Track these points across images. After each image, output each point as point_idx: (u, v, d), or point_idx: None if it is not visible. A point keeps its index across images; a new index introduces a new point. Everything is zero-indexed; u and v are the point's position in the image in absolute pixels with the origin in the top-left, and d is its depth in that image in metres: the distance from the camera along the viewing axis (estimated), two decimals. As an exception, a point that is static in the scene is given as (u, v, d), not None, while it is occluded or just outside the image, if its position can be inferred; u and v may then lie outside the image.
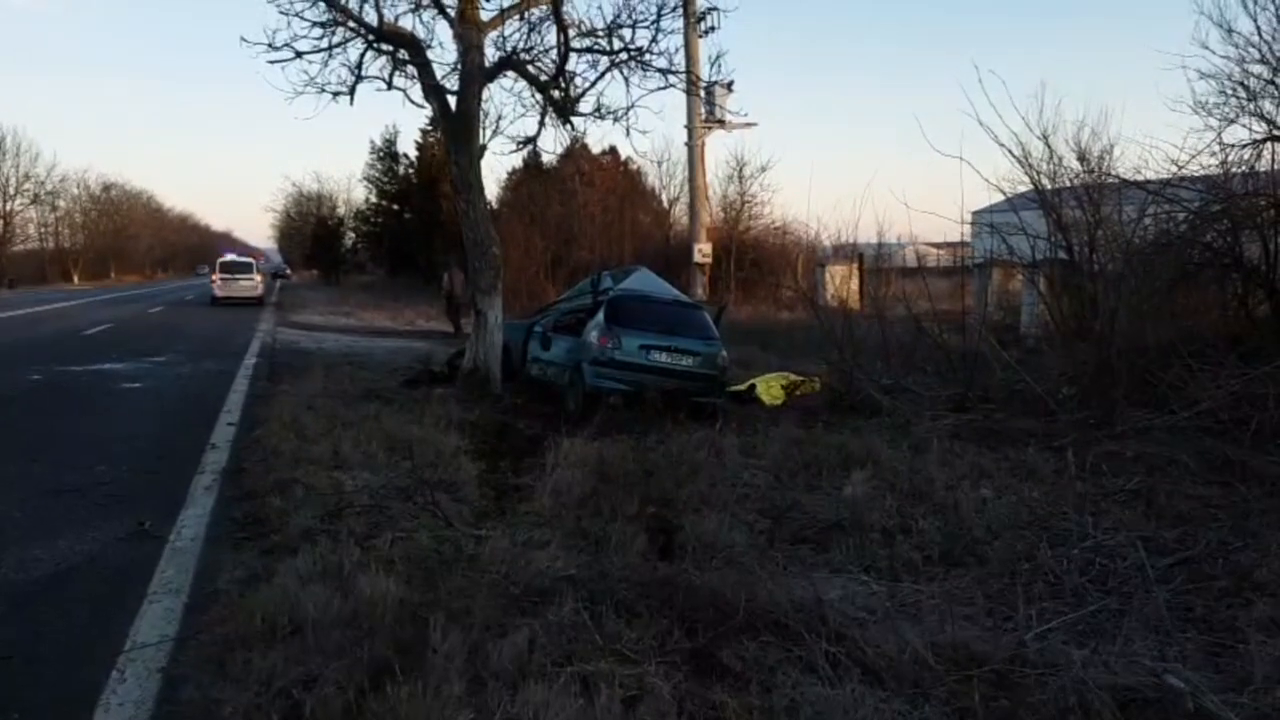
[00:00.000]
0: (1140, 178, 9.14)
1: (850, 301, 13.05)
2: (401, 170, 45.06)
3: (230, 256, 37.19)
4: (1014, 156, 9.33)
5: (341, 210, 61.00)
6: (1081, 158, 9.39)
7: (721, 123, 19.10)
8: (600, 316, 9.54)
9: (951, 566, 4.63)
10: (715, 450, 7.21)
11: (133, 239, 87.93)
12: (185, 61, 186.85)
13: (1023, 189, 9.83)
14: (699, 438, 7.58)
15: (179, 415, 9.42)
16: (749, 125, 19.56)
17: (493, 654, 3.39)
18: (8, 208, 66.95)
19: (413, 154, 43.67)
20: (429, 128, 40.15)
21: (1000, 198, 10.10)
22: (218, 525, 5.25)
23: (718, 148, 63.43)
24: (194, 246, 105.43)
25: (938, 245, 17.28)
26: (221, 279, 33.55)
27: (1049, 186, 9.34)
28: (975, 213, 12.58)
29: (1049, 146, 9.28)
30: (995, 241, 10.15)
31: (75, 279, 69.92)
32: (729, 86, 12.61)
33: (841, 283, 15.19)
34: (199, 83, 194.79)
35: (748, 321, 17.68)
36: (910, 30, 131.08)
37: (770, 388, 10.16)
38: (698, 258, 19.63)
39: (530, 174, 29.85)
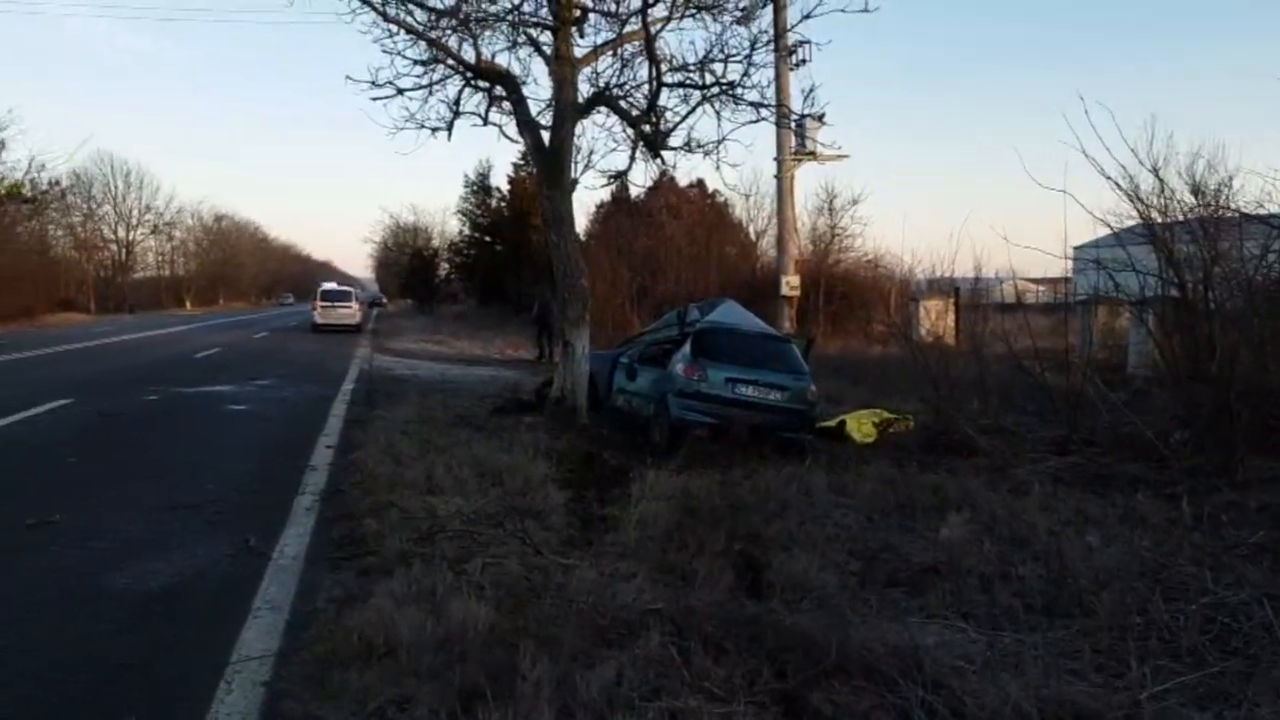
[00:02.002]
0: (1263, 211, 8.66)
1: (946, 337, 12.74)
2: (494, 203, 46.22)
3: (330, 286, 38.67)
4: (1121, 189, 8.96)
5: (436, 242, 62.99)
6: (1196, 191, 8.94)
7: (812, 155, 18.96)
8: (686, 349, 9.53)
9: (1055, 617, 4.42)
10: (804, 488, 7.10)
11: (240, 267, 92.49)
12: (294, 99, 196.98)
13: (1130, 223, 9.43)
14: (787, 474, 7.48)
15: (281, 437, 9.79)
16: (840, 157, 19.35)
17: (581, 685, 3.38)
18: (130, 237, 71.46)
19: (505, 187, 44.80)
20: (521, 162, 41.20)
21: (1105, 232, 9.72)
22: (317, 545, 5.42)
23: (808, 179, 63.12)
24: (296, 275, 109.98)
25: (1037, 281, 16.75)
26: (322, 307, 34.90)
27: (1159, 221, 8.94)
28: (1078, 247, 12.16)
29: (1160, 179, 8.87)
30: (1101, 277, 9.75)
31: (188, 305, 73.83)
32: (820, 119, 12.47)
33: (937, 318, 14.83)
34: (307, 119, 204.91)
35: (837, 356, 17.43)
36: (1011, 60, 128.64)
37: (861, 424, 9.94)
38: (785, 290, 19.43)
39: (618, 207, 30.27)
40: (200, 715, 3.22)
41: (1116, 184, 8.95)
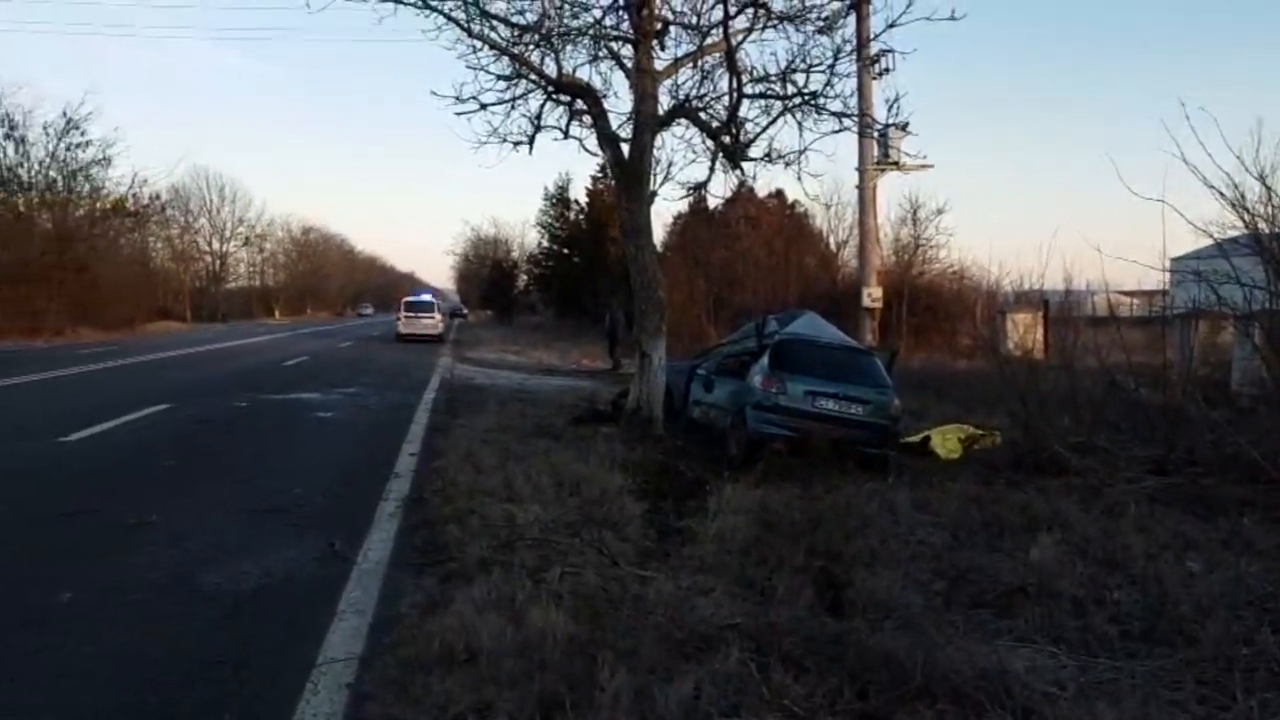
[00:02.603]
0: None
1: (1035, 351, 12.31)
2: (572, 216, 46.79)
3: (413, 297, 39.70)
4: (1225, 198, 8.54)
5: (515, 254, 64.18)
6: (1309, 199, 8.46)
7: (896, 165, 18.68)
8: (765, 360, 9.44)
9: (1154, 645, 4.22)
10: (886, 504, 6.96)
11: (327, 278, 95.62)
12: (381, 114, 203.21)
13: (1234, 233, 8.99)
14: (869, 490, 7.36)
15: (366, 444, 10.04)
16: (925, 167, 18.98)
17: (659, 698, 3.37)
18: (224, 249, 74.72)
19: (583, 200, 45.33)
20: (600, 174, 41.61)
21: (1207, 242, 9.28)
22: (400, 550, 5.52)
23: (890, 189, 62.07)
24: (380, 286, 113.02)
25: (1131, 293, 16.08)
26: (405, 317, 35.92)
27: (1267, 230, 8.48)
28: (1176, 259, 11.64)
29: (1267, 187, 8.41)
30: (1201, 290, 9.29)
31: (277, 314, 76.63)
32: (904, 128, 12.25)
33: (1025, 331, 14.35)
34: (393, 134, 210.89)
35: (920, 369, 17.06)
36: (1104, 64, 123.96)
37: (946, 440, 9.69)
38: (867, 302, 19.13)
39: (695, 218, 30.27)
40: (287, 715, 3.31)
41: (1220, 192, 8.54)
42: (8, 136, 35.69)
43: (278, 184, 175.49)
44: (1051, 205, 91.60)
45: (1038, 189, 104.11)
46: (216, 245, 73.86)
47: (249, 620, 4.29)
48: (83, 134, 37.97)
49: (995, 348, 13.66)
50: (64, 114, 37.71)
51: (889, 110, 10.84)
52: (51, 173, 37.96)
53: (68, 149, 37.96)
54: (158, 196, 47.69)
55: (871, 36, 12.63)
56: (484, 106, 10.98)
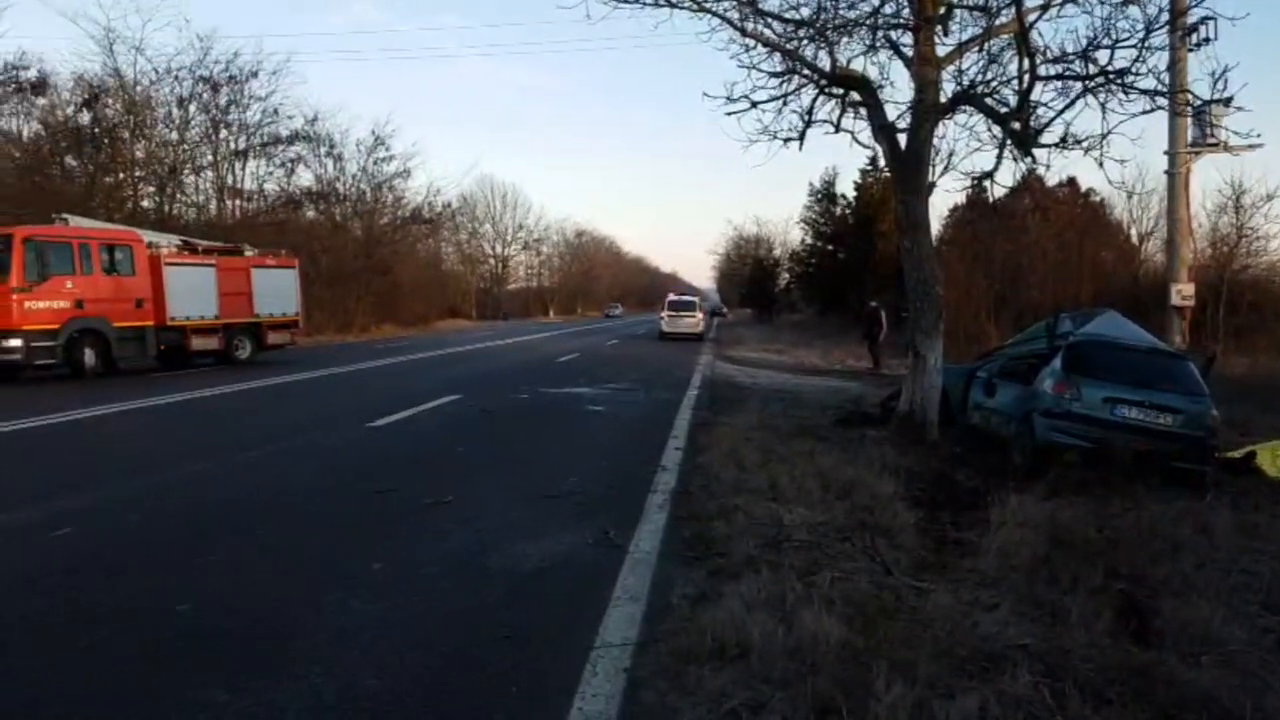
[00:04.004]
0: None
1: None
2: (838, 211, 45.89)
3: (676, 297, 40.93)
4: None
5: (778, 252, 64.11)
6: None
7: (1217, 145, 16.42)
8: (1057, 363, 8.68)
9: None
10: (1201, 526, 6.17)
11: (596, 279, 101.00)
12: (651, 118, 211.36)
13: None
14: (1178, 509, 6.59)
15: (634, 437, 10.42)
16: (1253, 146, 16.48)
17: (939, 714, 3.20)
18: (505, 253, 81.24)
19: (850, 195, 44.31)
20: (869, 168, 40.52)
21: None
22: (669, 542, 5.65)
23: (1206, 173, 55.05)
24: (644, 287, 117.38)
25: None
26: (669, 316, 37.15)
27: None
28: None
29: None
30: None
31: (551, 314, 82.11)
32: (1228, 103, 10.68)
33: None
34: (662, 135, 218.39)
35: (1243, 376, 14.97)
36: None
37: (1278, 458, 8.40)
38: (1176, 300, 17.00)
39: (974, 210, 28.52)
40: (570, 692, 3.46)
41: None
42: (328, 154, 41.33)
43: (555, 188, 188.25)
44: None
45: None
46: (499, 249, 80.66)
47: (533, 599, 4.56)
48: (387, 149, 43.32)
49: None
50: (372, 132, 43.14)
51: (1213, 85, 9.47)
52: (361, 185, 43.43)
53: (375, 163, 43.39)
54: (449, 204, 53.10)
55: (1191, 3, 11.15)
56: (755, 105, 10.95)
